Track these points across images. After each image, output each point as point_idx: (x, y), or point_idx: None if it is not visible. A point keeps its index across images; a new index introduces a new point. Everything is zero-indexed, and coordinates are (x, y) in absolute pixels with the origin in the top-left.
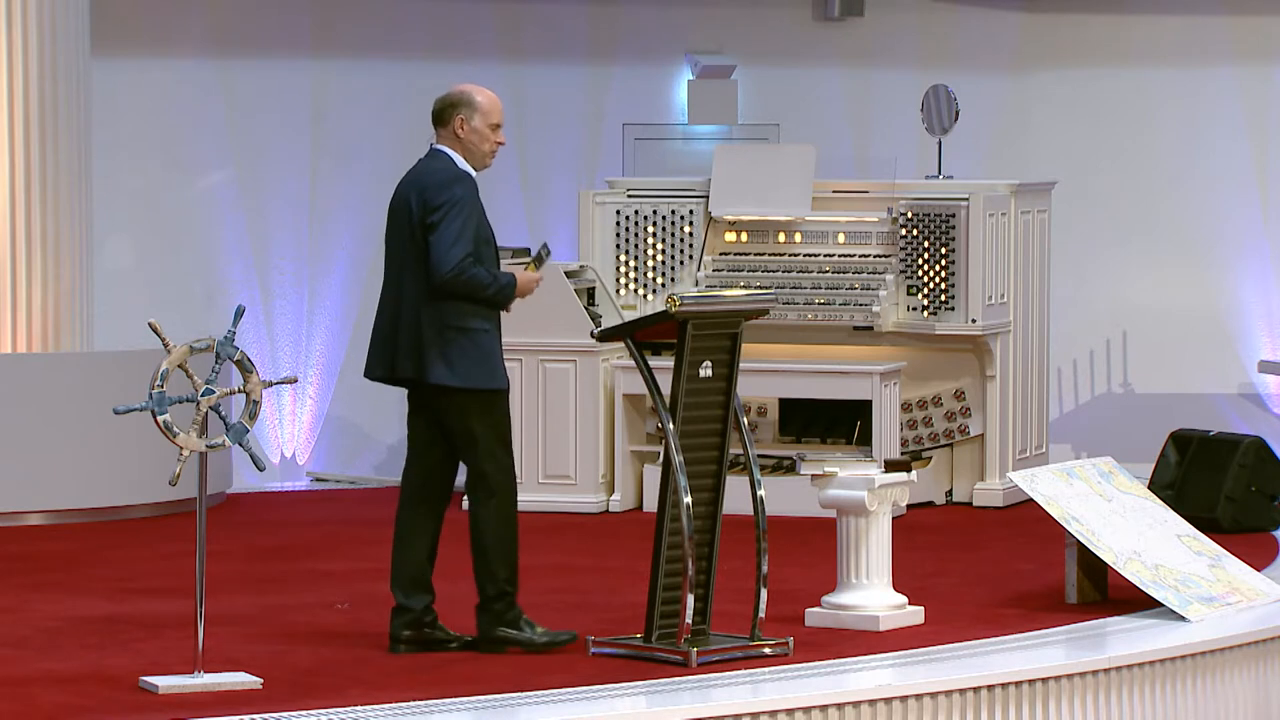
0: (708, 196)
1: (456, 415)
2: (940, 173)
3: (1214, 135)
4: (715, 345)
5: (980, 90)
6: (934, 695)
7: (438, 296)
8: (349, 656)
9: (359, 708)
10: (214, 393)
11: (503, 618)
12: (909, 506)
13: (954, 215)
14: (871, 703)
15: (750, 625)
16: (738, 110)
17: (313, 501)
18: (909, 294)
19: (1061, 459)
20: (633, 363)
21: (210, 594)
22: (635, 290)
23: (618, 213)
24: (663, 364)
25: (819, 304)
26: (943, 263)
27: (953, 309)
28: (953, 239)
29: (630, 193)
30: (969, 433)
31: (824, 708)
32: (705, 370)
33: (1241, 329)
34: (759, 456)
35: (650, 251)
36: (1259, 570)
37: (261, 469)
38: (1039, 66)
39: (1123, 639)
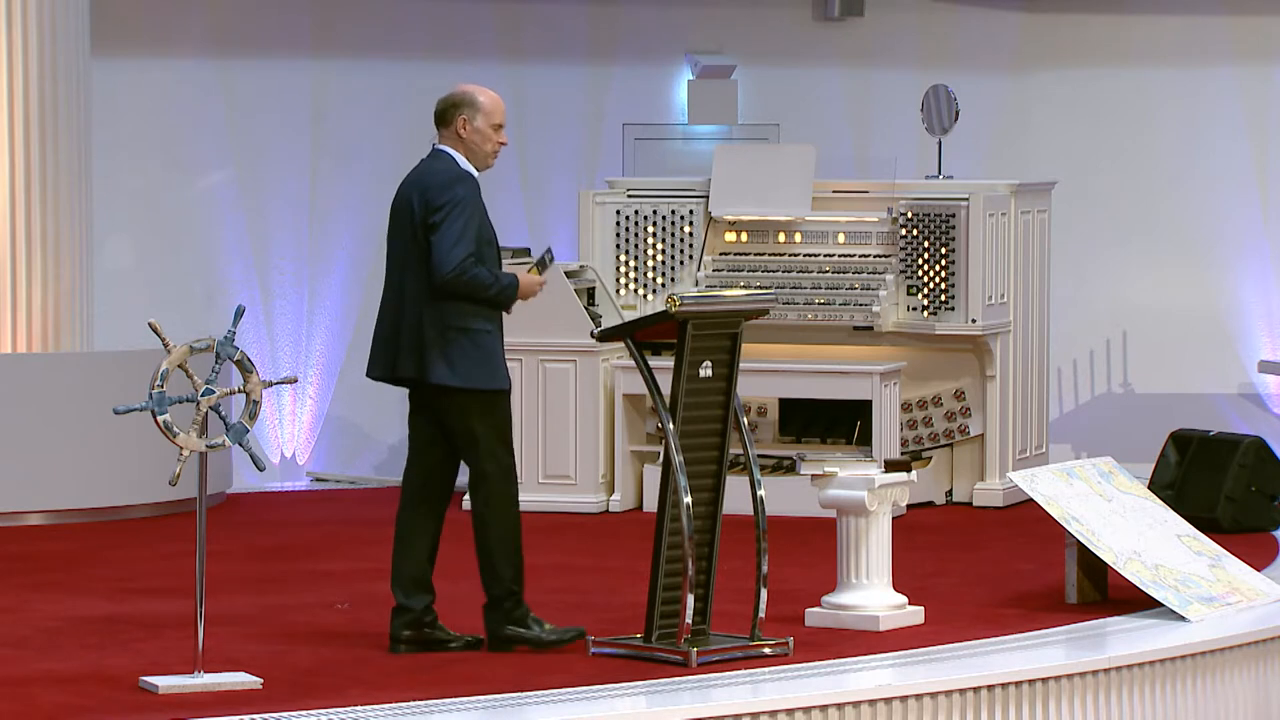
0: (708, 196)
1: (458, 415)
2: (940, 173)
3: (1214, 135)
4: (715, 345)
5: (980, 90)
6: (934, 695)
7: (439, 296)
8: (349, 656)
9: (359, 708)
10: (214, 393)
11: (510, 616)
12: (909, 506)
13: (954, 215)
14: (871, 703)
15: (750, 625)
16: (738, 110)
17: (313, 501)
18: (909, 294)
19: (1061, 459)
20: (633, 363)
21: (210, 594)
22: (635, 290)
23: (618, 213)
24: (663, 364)
25: (819, 304)
26: (943, 263)
27: (953, 309)
28: (953, 239)
29: (630, 193)
30: (969, 433)
31: (824, 708)
32: (705, 370)
33: (1241, 329)
34: (759, 456)
35: (650, 251)
36: (1259, 570)
37: (261, 469)
38: (1039, 66)
39: (1123, 639)
